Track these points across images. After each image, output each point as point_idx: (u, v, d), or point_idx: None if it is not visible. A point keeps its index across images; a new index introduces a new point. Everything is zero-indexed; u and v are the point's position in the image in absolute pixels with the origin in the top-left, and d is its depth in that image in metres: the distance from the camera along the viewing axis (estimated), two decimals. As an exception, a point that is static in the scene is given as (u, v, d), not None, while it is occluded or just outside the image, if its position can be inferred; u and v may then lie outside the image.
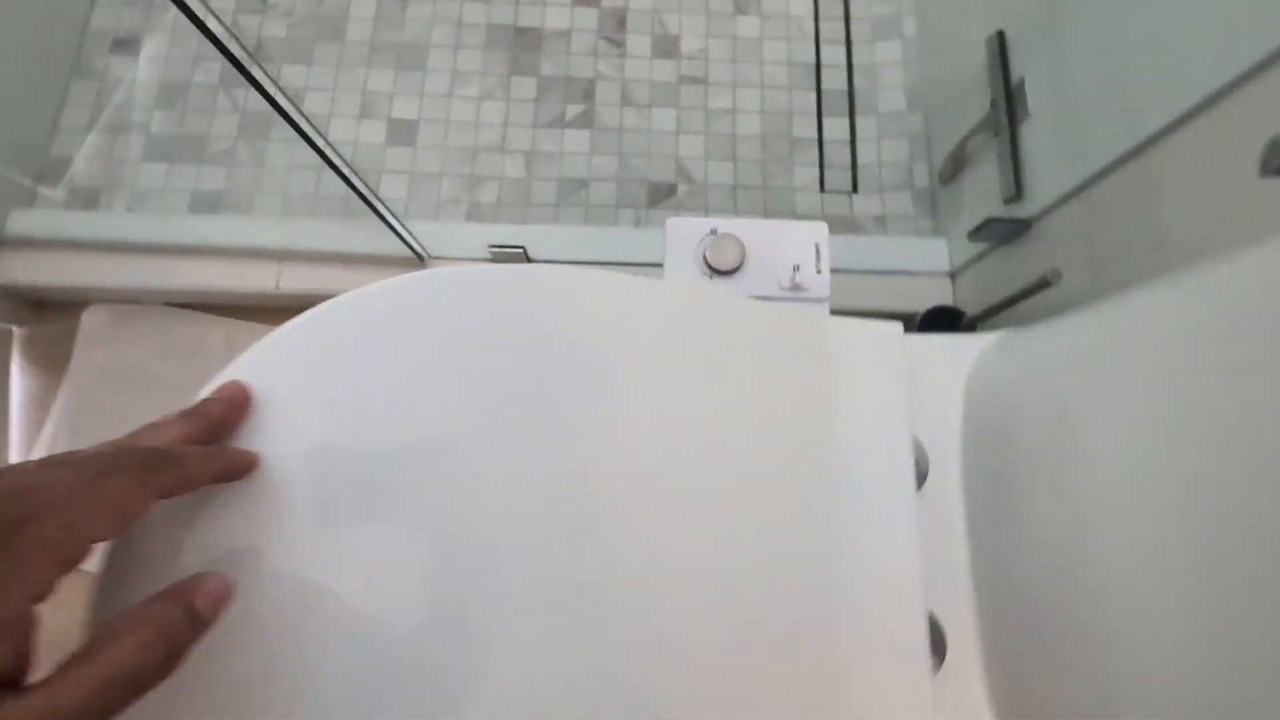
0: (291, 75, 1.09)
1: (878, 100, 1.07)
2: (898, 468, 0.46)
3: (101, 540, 0.23)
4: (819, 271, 0.54)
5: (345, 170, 0.73)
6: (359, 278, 0.97)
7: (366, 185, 0.78)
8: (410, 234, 0.89)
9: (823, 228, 0.55)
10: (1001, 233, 0.77)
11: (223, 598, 0.27)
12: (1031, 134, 0.76)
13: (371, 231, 0.87)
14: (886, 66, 1.09)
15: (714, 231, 0.55)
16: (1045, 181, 0.73)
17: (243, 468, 0.31)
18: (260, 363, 0.34)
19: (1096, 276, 0.63)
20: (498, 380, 0.36)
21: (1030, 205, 0.75)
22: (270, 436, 0.32)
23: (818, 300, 0.53)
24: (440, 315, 0.37)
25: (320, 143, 0.71)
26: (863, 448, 0.45)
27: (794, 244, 0.54)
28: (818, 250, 0.54)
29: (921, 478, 0.49)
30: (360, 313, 0.36)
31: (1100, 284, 0.62)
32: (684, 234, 0.56)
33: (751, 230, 0.55)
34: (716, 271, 0.54)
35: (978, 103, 0.87)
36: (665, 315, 0.40)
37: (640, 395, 0.38)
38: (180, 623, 0.25)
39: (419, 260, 0.93)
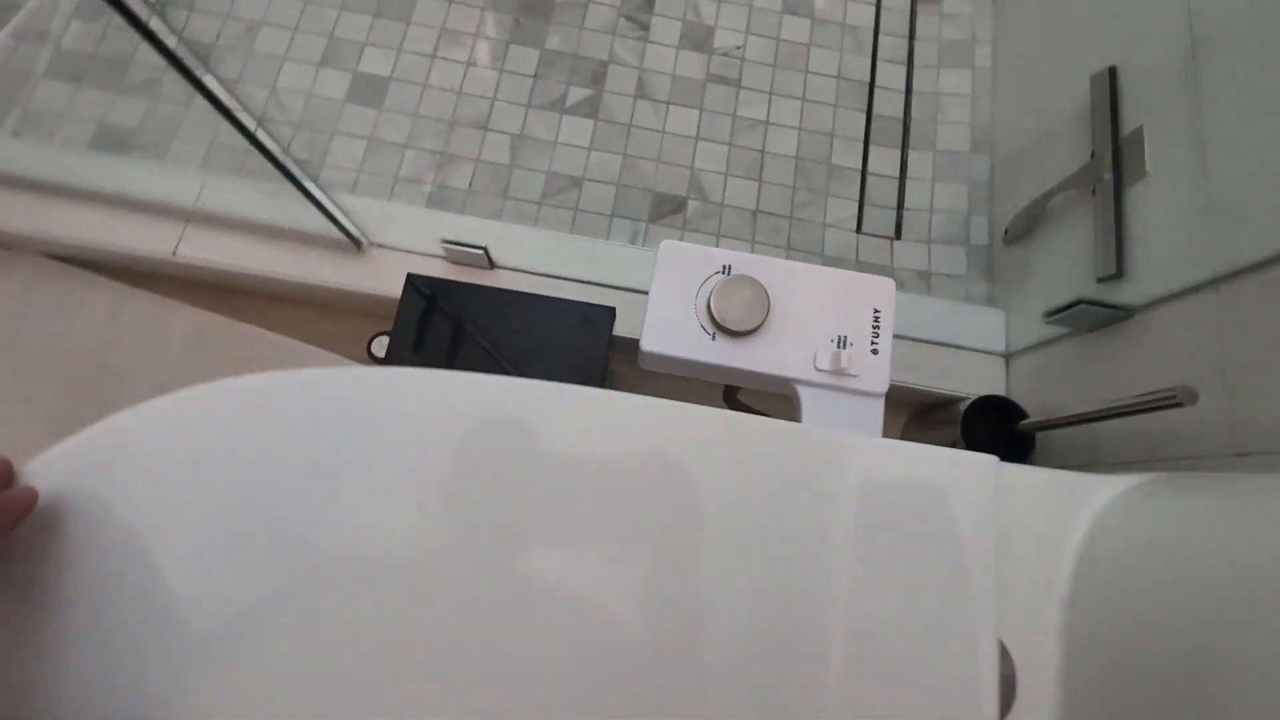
0: (248, 5, 0.91)
1: (936, 135, 0.91)
2: (973, 690, 0.28)
3: None
4: (875, 351, 0.36)
5: (250, 123, 0.55)
6: (275, 255, 0.78)
7: (280, 145, 0.60)
8: (343, 214, 0.70)
9: (888, 286, 0.37)
10: (1091, 319, 0.60)
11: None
12: (1145, 198, 0.59)
13: (305, 203, 0.69)
14: (951, 99, 0.92)
15: (727, 270, 0.37)
16: (1161, 262, 0.56)
17: (17, 513, 0.28)
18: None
19: (1237, 404, 0.45)
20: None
21: (1135, 290, 0.58)
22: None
23: (869, 395, 0.35)
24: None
25: (219, 90, 0.53)
26: (917, 660, 0.27)
27: (846, 305, 0.36)
28: (877, 319, 0.36)
29: (1006, 704, 0.31)
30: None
31: (1242, 414, 0.45)
32: (683, 265, 0.38)
33: (781, 276, 0.37)
34: (723, 330, 0.36)
35: (1070, 153, 0.70)
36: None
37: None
38: None
39: (354, 246, 0.75)
